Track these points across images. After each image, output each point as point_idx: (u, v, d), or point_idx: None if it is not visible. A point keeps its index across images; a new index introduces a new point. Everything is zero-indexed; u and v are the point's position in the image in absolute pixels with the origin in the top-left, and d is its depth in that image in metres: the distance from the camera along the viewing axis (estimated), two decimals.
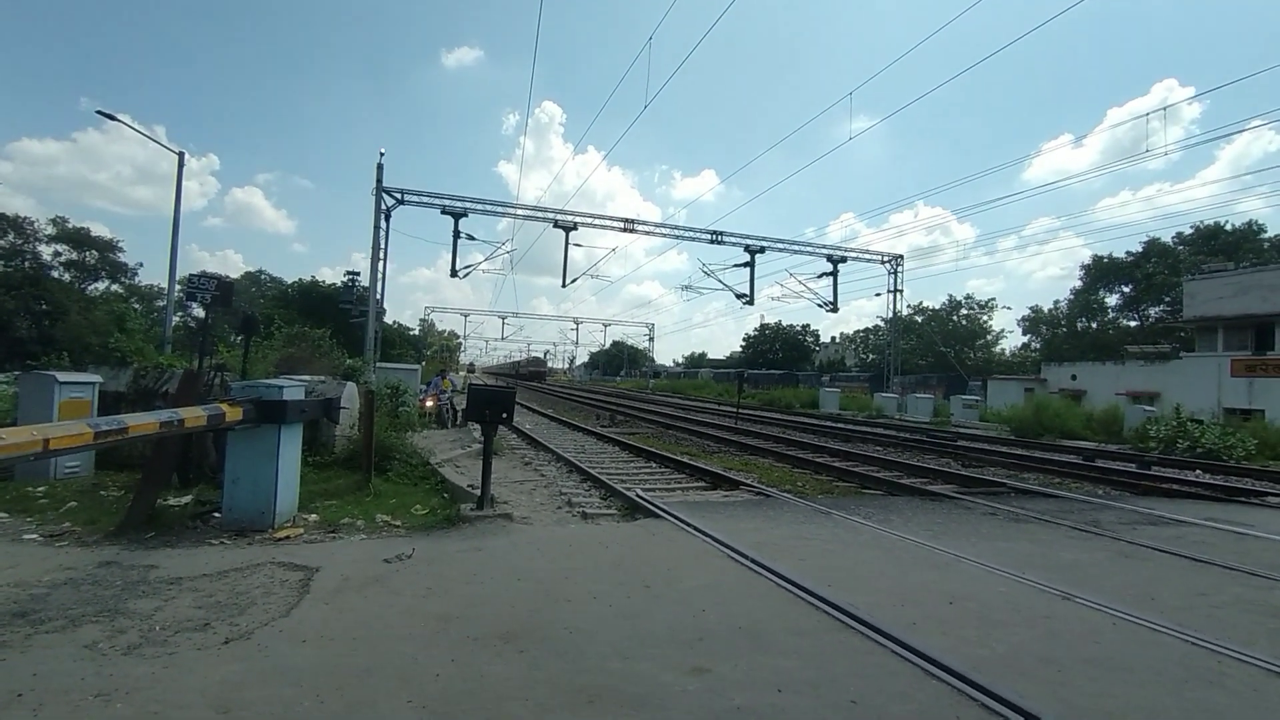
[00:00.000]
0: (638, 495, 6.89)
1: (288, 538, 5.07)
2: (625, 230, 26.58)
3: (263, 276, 70.04)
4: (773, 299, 32.55)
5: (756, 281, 28.37)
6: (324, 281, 55.43)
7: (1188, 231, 45.79)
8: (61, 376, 7.44)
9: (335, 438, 8.44)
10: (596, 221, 26.22)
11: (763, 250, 28.00)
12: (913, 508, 7.02)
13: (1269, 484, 10.07)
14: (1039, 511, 6.90)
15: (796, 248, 29.42)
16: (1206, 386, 26.81)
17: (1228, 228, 44.35)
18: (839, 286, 29.85)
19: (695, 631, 3.26)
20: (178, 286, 17.16)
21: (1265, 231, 43.83)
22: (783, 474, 9.89)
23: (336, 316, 29.17)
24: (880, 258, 31.56)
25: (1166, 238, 46.82)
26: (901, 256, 31.71)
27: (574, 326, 69.19)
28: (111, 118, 16.11)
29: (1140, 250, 47.25)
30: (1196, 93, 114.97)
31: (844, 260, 30.13)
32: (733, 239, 27.78)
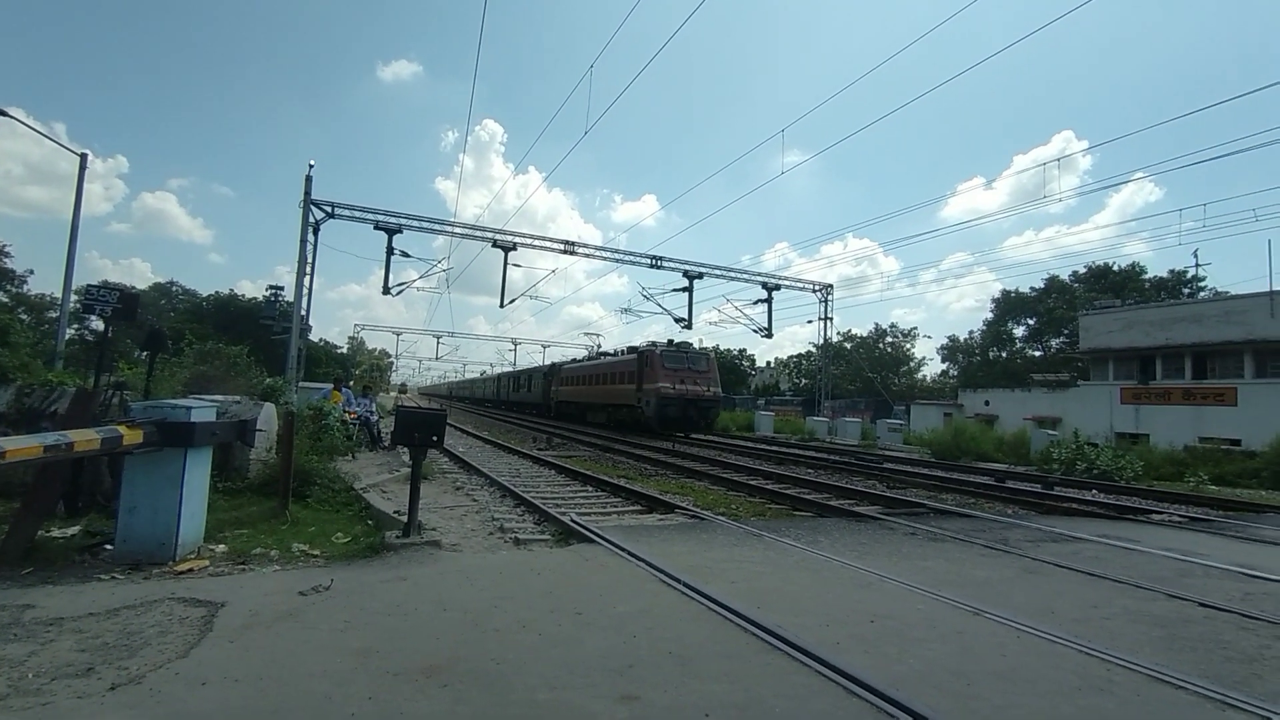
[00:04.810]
0: (572, 520, 6.81)
1: (190, 571, 4.69)
2: (565, 252, 26.62)
3: (174, 288, 65.44)
4: (711, 324, 33.36)
5: (695, 306, 28.94)
6: (243, 295, 52.50)
7: (1082, 270, 50.45)
8: None
9: (250, 462, 7.94)
10: (536, 243, 26.14)
11: (701, 276, 28.66)
12: (840, 529, 7.26)
13: (1153, 502, 11.03)
14: (955, 531, 7.28)
15: (733, 275, 30.29)
16: (1100, 412, 29.25)
17: (1115, 268, 49.12)
18: (773, 313, 30.89)
19: (626, 658, 3.24)
20: (74, 297, 15.78)
21: (1146, 273, 48.92)
22: (718, 497, 10.01)
23: (256, 333, 27.61)
24: (812, 286, 32.91)
25: (1065, 275, 51.41)
26: (831, 286, 33.20)
27: (512, 347, 68.25)
28: (2, 113, 14.83)
29: (1043, 286, 51.64)
30: (1089, 145, 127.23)
31: (778, 288, 31.24)
32: (672, 264, 28.31)
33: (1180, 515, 9.59)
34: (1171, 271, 47.50)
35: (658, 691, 2.87)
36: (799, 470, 14.29)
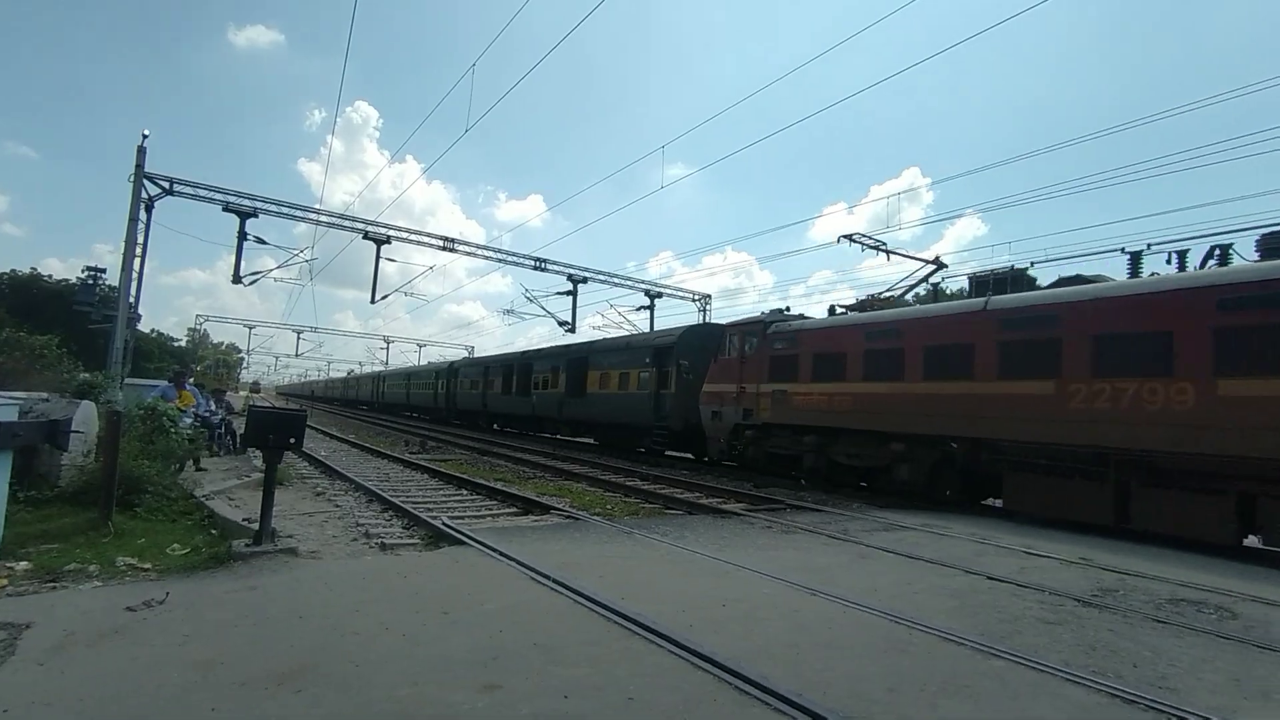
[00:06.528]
0: (443, 523, 6.69)
1: None
2: (445, 249, 25.68)
3: None
4: (594, 328, 33.46)
5: (579, 310, 29.09)
6: (50, 276, 45.05)
7: (923, 293, 57.36)
8: None
9: (62, 468, 6.94)
10: (413, 237, 24.96)
11: (585, 280, 28.87)
12: (706, 525, 7.75)
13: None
14: (806, 524, 8.04)
15: (617, 280, 30.81)
16: None
17: (947, 292, 56.32)
18: (655, 320, 31.81)
19: (490, 652, 3.33)
20: None
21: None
22: (594, 498, 10.23)
23: (69, 320, 23.84)
24: (692, 295, 34.33)
25: (909, 297, 58.21)
26: (710, 296, 34.81)
27: (384, 345, 64.27)
28: None
29: None
30: (931, 182, 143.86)
31: (660, 296, 32.23)
32: (557, 267, 28.24)
33: (986, 507, 11.25)
34: None
35: (520, 679, 3.00)
36: (675, 471, 14.91)
